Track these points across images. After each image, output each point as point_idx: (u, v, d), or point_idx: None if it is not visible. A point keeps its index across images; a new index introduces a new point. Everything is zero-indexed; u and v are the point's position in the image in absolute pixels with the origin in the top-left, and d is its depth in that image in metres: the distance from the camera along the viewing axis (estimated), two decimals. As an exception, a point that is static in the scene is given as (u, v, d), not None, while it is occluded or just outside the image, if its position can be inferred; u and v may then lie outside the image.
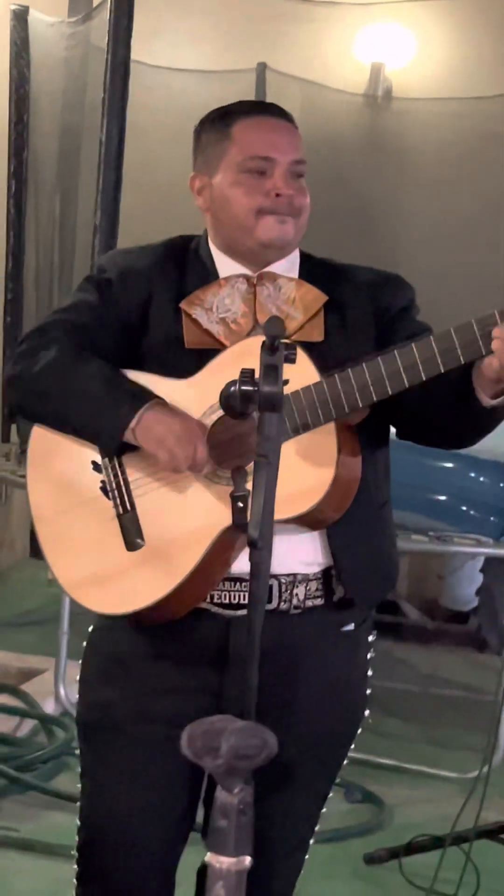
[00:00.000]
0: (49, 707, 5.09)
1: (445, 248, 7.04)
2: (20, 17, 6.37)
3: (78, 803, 2.50)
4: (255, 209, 2.34)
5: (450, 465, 5.27)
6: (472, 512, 5.14)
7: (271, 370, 1.75)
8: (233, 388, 1.90)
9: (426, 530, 5.02)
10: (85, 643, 2.50)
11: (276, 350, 1.74)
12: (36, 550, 7.18)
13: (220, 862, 0.97)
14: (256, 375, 1.83)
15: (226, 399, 1.93)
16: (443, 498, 5.21)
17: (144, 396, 2.29)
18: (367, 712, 2.51)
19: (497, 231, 6.98)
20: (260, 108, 2.43)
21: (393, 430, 2.45)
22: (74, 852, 2.50)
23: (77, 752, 4.40)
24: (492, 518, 5.11)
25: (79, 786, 2.50)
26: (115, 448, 2.32)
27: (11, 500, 6.71)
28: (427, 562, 6.97)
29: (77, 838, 2.49)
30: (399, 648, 6.39)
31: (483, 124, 6.89)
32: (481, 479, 5.22)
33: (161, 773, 2.38)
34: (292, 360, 1.79)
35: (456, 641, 6.62)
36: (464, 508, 5.16)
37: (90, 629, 2.50)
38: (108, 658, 2.44)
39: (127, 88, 5.15)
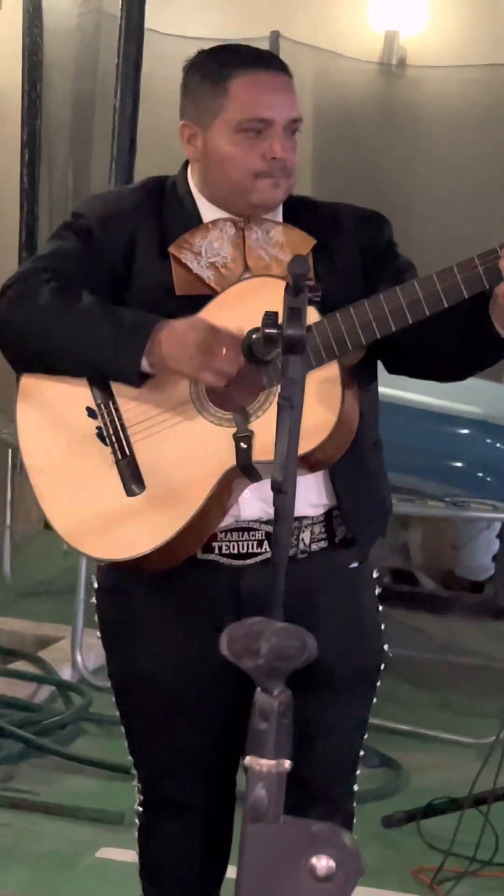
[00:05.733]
0: (66, 674, 5.09)
1: (460, 216, 7.01)
2: (33, -15, 6.35)
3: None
4: (252, 173, 2.31)
5: (465, 431, 5.26)
6: (488, 478, 5.14)
7: (295, 312, 1.74)
8: (255, 336, 1.89)
9: (442, 497, 5.01)
10: (94, 599, 2.51)
11: (301, 291, 1.73)
12: (50, 521, 7.18)
13: (260, 764, 0.96)
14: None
15: (248, 346, 1.92)
16: (459, 465, 5.20)
17: (149, 321, 2.26)
18: (386, 646, 2.52)
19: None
20: (257, 62, 2.35)
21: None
22: (136, 783, 2.57)
23: (95, 717, 4.42)
24: (509, 484, 5.10)
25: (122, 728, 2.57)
26: (136, 381, 2.29)
27: (26, 469, 6.70)
28: (441, 532, 6.95)
29: (134, 771, 2.56)
30: (414, 617, 6.38)
31: (498, 91, 6.85)
32: (497, 445, 5.21)
33: (191, 725, 2.44)
34: (317, 302, 1.79)
35: (471, 610, 6.60)
36: (480, 475, 5.15)
37: (95, 586, 2.50)
38: (121, 618, 2.46)
39: (141, 54, 5.14)
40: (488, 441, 5.23)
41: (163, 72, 6.58)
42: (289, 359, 1.75)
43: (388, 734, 4.75)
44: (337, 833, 0.89)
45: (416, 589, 6.71)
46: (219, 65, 2.34)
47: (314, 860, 0.89)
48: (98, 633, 2.52)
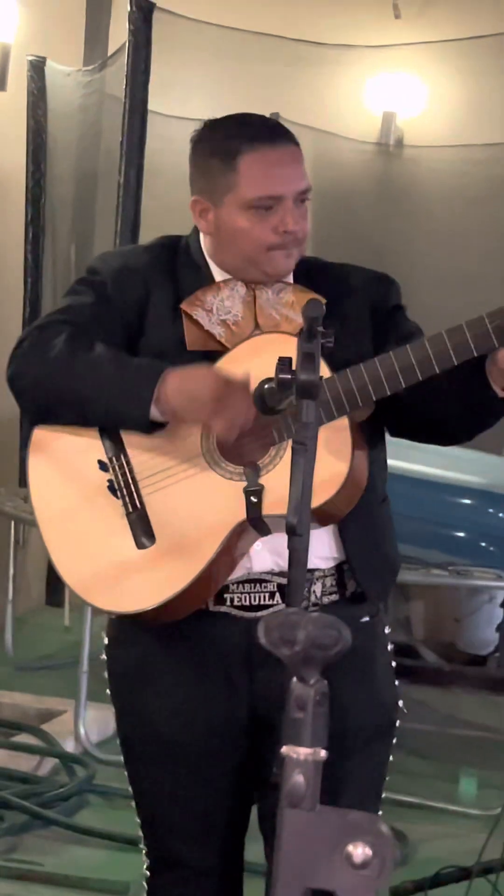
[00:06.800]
0: (69, 747, 5.06)
1: (458, 295, 7.07)
2: (37, 68, 6.47)
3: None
4: (266, 246, 2.35)
5: (468, 501, 5.28)
6: (491, 548, 5.15)
7: (308, 357, 1.77)
8: (267, 385, 1.92)
9: (445, 566, 5.02)
10: (104, 655, 2.51)
11: (314, 336, 1.76)
12: (52, 598, 7.21)
13: (297, 752, 0.97)
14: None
15: (260, 396, 1.95)
16: (461, 534, 5.21)
17: (158, 368, 2.27)
18: (401, 702, 2.52)
19: (509, 277, 7.01)
20: (264, 136, 2.37)
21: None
22: (143, 845, 2.54)
23: (99, 789, 4.38)
24: (512, 554, 5.11)
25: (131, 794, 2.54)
26: (146, 428, 2.30)
27: (28, 545, 6.71)
28: (443, 605, 6.94)
29: (141, 832, 2.53)
30: (417, 691, 6.35)
31: (494, 170, 6.95)
32: (500, 514, 5.22)
33: (201, 783, 2.42)
34: (329, 347, 1.82)
35: (474, 684, 6.57)
36: (483, 544, 5.16)
37: (105, 642, 2.51)
38: (132, 671, 2.45)
39: (145, 130, 5.23)
40: (490, 510, 5.25)
41: (165, 151, 6.70)
42: (303, 403, 1.78)
43: (393, 805, 4.70)
44: (373, 821, 0.90)
45: (418, 662, 6.69)
46: (227, 140, 2.37)
47: (350, 847, 0.90)
48: (101, 704, 2.53)
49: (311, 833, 0.89)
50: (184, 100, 7.01)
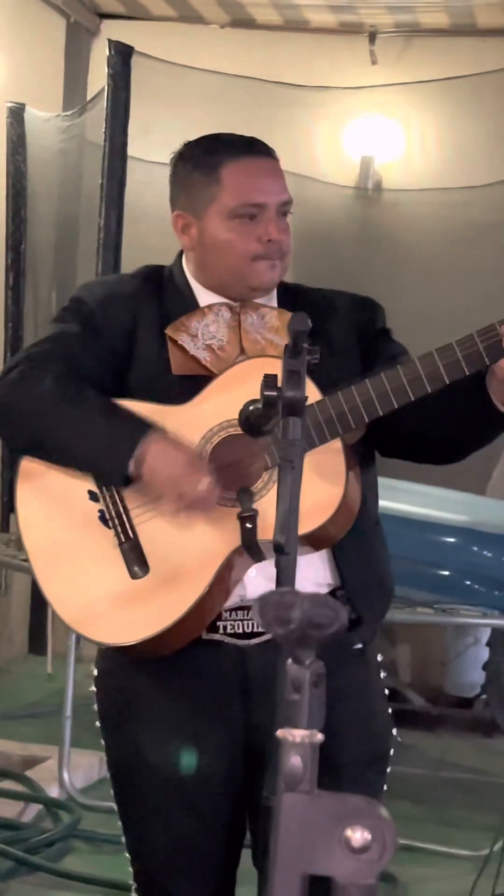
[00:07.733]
0: (53, 793, 5.00)
1: (440, 337, 7.06)
2: (16, 114, 6.48)
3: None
4: (250, 256, 2.35)
5: (453, 539, 5.26)
6: (476, 586, 5.12)
7: (294, 375, 1.75)
8: (252, 407, 1.90)
9: (431, 605, 4.99)
10: (93, 688, 2.47)
11: (300, 352, 1.74)
12: (35, 646, 7.14)
13: (294, 735, 0.94)
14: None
15: (245, 417, 1.93)
16: (447, 573, 5.19)
17: (143, 428, 2.26)
18: (395, 731, 2.48)
19: (491, 319, 7.02)
20: (246, 148, 2.41)
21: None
22: (132, 882, 2.49)
23: (84, 834, 4.31)
24: (496, 592, 5.09)
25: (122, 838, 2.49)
26: (121, 483, 2.29)
27: (12, 591, 6.67)
28: (430, 649, 6.91)
29: (131, 869, 2.48)
30: (405, 735, 6.30)
31: (473, 213, 6.98)
32: (485, 552, 5.20)
33: (195, 818, 2.37)
34: (315, 363, 1.80)
35: (462, 727, 6.54)
36: (468, 583, 5.14)
37: (95, 674, 2.47)
38: (122, 703, 2.41)
39: (125, 172, 5.23)
40: (475, 549, 5.22)
41: (146, 196, 6.71)
42: (289, 420, 1.76)
43: (383, 848, 4.66)
44: (372, 805, 0.87)
45: (405, 706, 6.64)
46: (208, 154, 2.38)
47: (349, 832, 0.87)
48: (85, 750, 2.49)
49: (308, 817, 0.86)
50: (163, 144, 7.02)
